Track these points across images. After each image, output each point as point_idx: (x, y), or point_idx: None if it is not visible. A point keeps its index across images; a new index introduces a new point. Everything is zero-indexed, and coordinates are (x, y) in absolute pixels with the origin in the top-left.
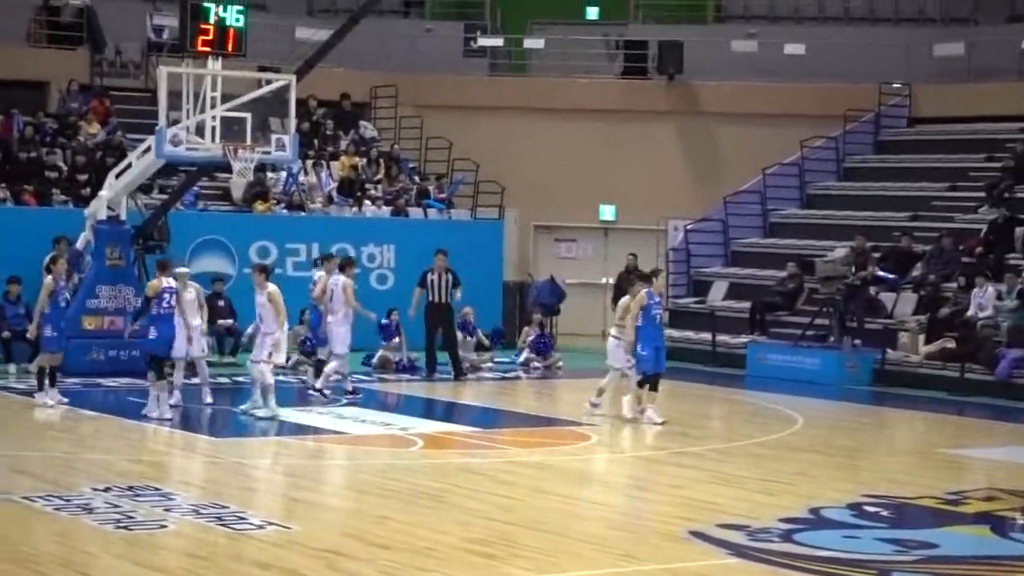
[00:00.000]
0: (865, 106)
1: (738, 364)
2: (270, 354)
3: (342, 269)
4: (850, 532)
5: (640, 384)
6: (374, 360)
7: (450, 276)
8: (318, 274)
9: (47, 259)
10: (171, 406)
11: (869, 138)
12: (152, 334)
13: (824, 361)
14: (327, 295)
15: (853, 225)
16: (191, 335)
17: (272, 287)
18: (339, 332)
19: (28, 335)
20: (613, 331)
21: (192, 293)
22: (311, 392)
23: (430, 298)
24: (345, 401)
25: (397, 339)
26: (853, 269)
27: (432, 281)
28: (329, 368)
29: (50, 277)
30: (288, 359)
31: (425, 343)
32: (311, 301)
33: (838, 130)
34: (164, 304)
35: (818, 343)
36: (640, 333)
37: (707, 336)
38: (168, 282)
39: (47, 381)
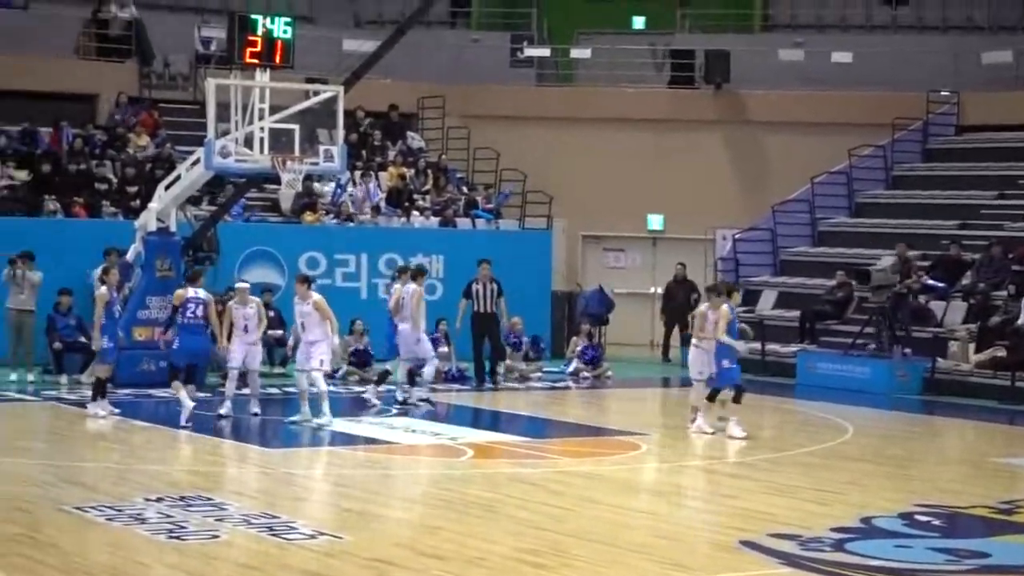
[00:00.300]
0: (913, 114)
1: (788, 373)
2: (322, 361)
3: (414, 278)
4: (902, 542)
5: (711, 398)
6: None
7: (495, 286)
8: (395, 286)
9: (99, 270)
10: (221, 415)
11: (917, 146)
12: (175, 344)
13: (874, 370)
14: (401, 305)
15: (902, 233)
16: (249, 347)
17: (317, 296)
18: (415, 338)
19: (93, 347)
20: (694, 341)
21: (252, 307)
22: (418, 403)
23: (476, 308)
24: (395, 411)
25: (446, 349)
26: (899, 278)
27: (477, 291)
28: (427, 373)
29: (104, 288)
30: (338, 370)
31: (473, 353)
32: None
33: (886, 138)
34: (188, 314)
35: (868, 352)
36: (726, 348)
37: (756, 345)
38: (195, 293)
39: (99, 392)
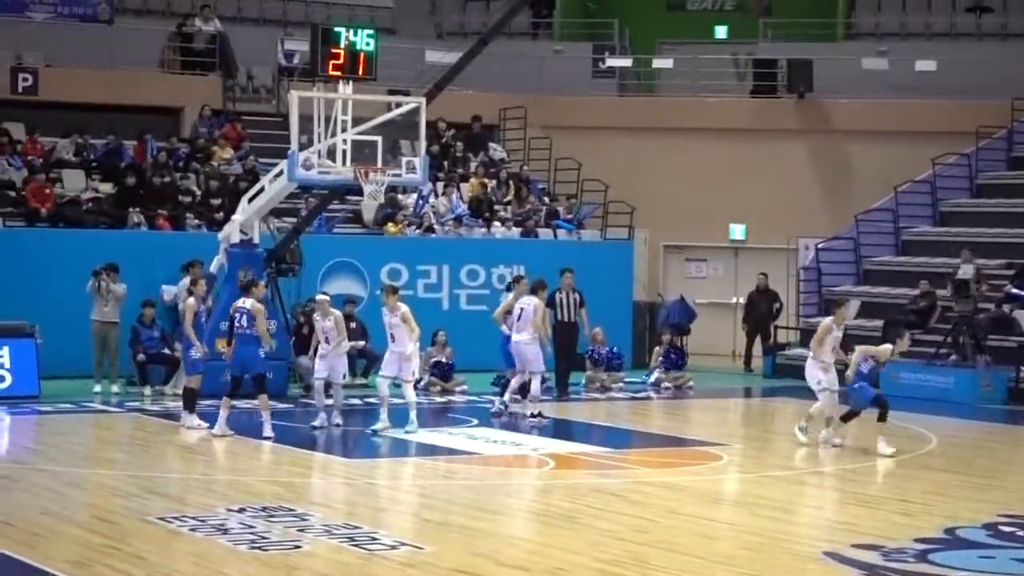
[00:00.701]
0: (997, 122)
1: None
2: (413, 372)
3: (534, 291)
4: (986, 552)
5: (846, 418)
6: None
7: (577, 295)
8: (507, 296)
9: (187, 281)
10: (315, 427)
11: (1002, 154)
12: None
13: (958, 380)
14: (514, 315)
15: (986, 242)
16: (330, 360)
17: (404, 307)
18: (531, 351)
19: (194, 354)
20: (811, 355)
21: (331, 320)
22: (530, 419)
23: (559, 317)
24: (531, 424)
25: None
26: (979, 287)
27: (560, 300)
28: (534, 388)
29: (192, 299)
30: (420, 380)
31: (555, 364)
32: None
33: (970, 147)
34: (236, 325)
35: (951, 362)
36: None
37: (840, 355)
38: (242, 303)
39: (190, 403)
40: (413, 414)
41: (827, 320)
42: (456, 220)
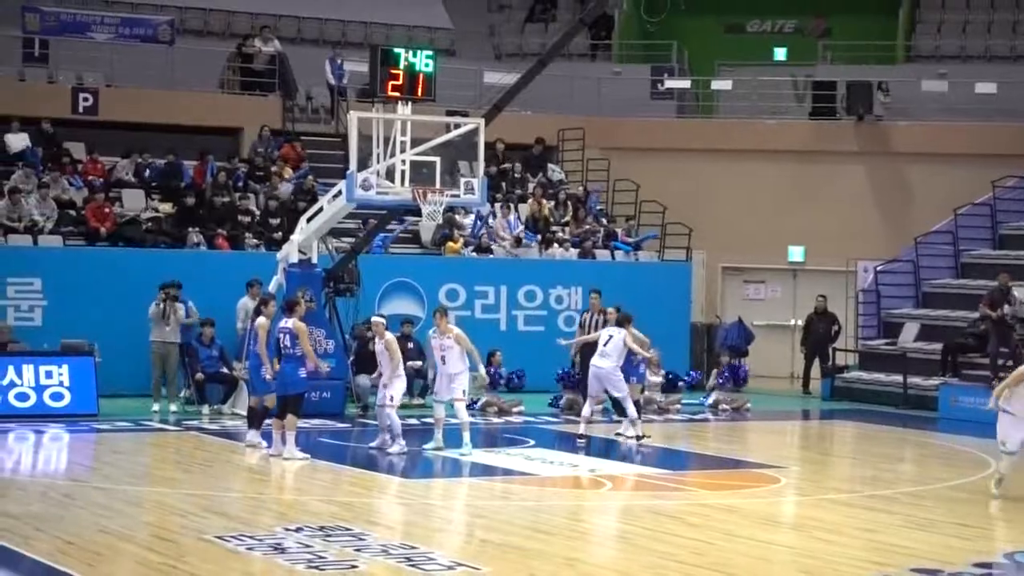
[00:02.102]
0: None
1: (930, 406)
2: (464, 392)
3: (620, 324)
4: None
5: None
6: (561, 402)
7: (602, 317)
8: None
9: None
10: (372, 447)
11: None
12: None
13: None
14: (601, 342)
15: None
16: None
17: (457, 329)
18: (617, 376)
19: (265, 375)
20: (1002, 404)
21: (380, 344)
22: (637, 441)
23: (578, 339)
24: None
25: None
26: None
27: (585, 321)
28: (631, 412)
29: (263, 318)
30: (476, 401)
31: (580, 384)
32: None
33: None
34: (281, 344)
35: None
36: None
37: (898, 378)
38: (285, 323)
39: (255, 422)
40: (467, 436)
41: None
42: (516, 240)
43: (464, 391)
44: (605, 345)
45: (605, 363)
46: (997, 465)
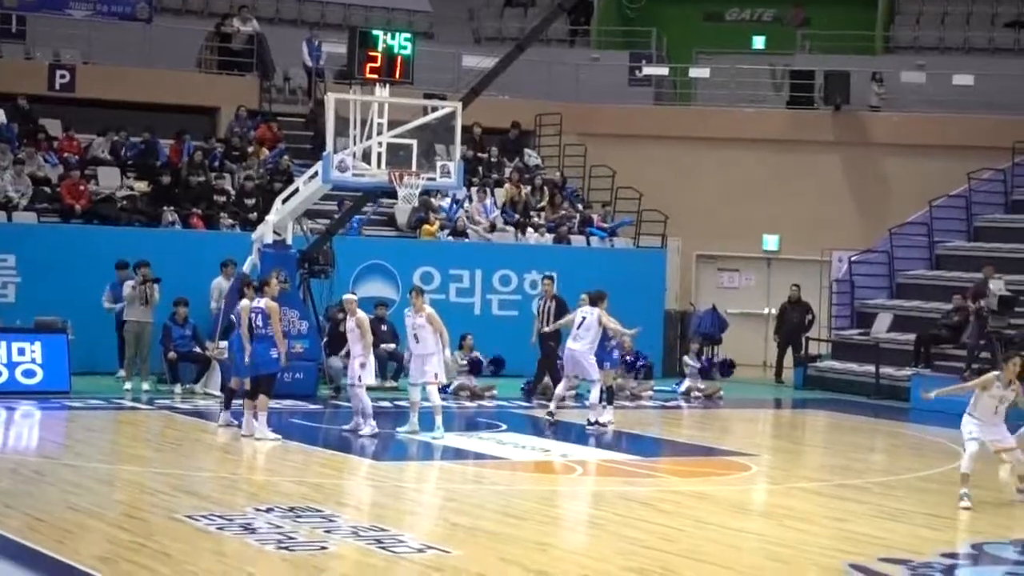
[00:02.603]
0: None
1: (901, 397)
2: (436, 375)
3: (594, 303)
4: (1013, 568)
5: None
6: (539, 388)
7: (553, 303)
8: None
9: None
10: (348, 429)
11: None
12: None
13: None
14: (575, 324)
15: (1020, 258)
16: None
17: (430, 309)
18: (588, 360)
19: (280, 361)
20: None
21: (352, 321)
22: (589, 426)
23: (538, 325)
24: (590, 431)
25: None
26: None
27: (538, 307)
28: (594, 397)
29: (246, 300)
30: (449, 384)
31: (537, 369)
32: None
33: (1006, 162)
34: (252, 324)
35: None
36: None
37: (871, 368)
38: (258, 303)
39: (231, 403)
40: (439, 419)
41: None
42: (491, 226)
43: (436, 374)
44: (579, 327)
45: (578, 345)
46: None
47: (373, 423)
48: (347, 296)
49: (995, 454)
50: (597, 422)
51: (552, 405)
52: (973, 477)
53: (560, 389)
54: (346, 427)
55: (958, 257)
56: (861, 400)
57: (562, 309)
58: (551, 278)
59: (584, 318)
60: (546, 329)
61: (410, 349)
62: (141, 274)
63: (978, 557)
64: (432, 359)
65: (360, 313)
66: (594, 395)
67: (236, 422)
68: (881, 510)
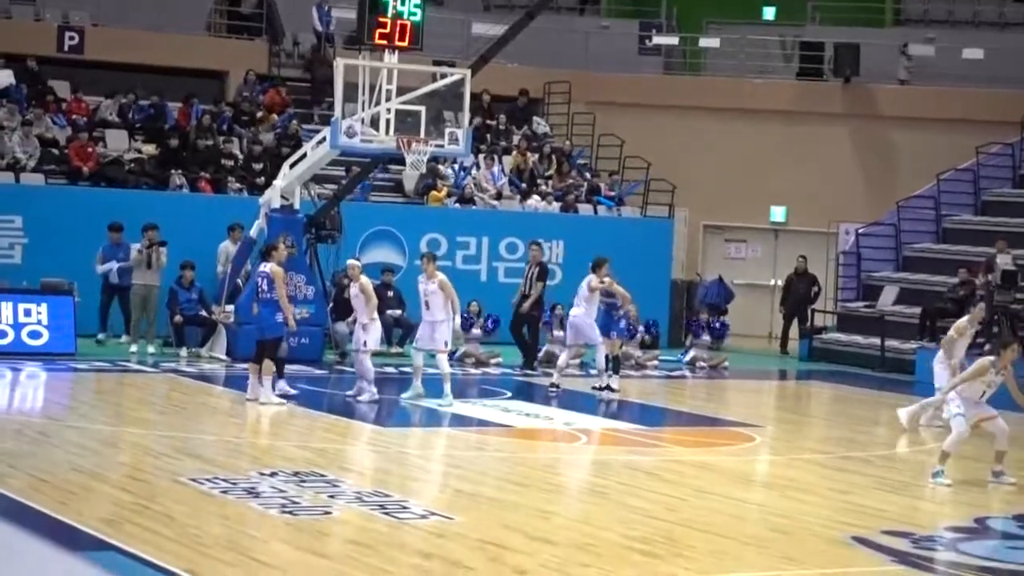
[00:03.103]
0: None
1: (906, 370)
2: (445, 343)
3: (593, 268)
4: (1015, 543)
5: None
6: (540, 354)
7: (536, 269)
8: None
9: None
10: (351, 395)
11: None
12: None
13: None
14: (579, 293)
15: None
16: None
17: (442, 276)
18: (588, 325)
19: (288, 326)
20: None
21: (355, 287)
22: (599, 391)
23: (521, 290)
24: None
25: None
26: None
27: (525, 274)
28: (600, 362)
29: (272, 264)
30: (455, 352)
31: (526, 338)
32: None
33: (1015, 136)
34: (258, 288)
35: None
36: None
37: (876, 341)
38: (264, 267)
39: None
40: (448, 386)
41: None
42: (498, 194)
43: (447, 342)
44: (578, 295)
45: (576, 311)
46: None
47: (373, 389)
48: (351, 262)
49: (973, 426)
50: (607, 387)
51: (556, 376)
52: (976, 450)
53: (563, 360)
54: (350, 393)
55: (965, 231)
56: (866, 372)
57: (544, 274)
58: (538, 244)
59: (582, 286)
60: (527, 302)
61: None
62: (148, 237)
63: (981, 531)
64: (442, 326)
65: (364, 279)
66: (600, 360)
67: (293, 391)
68: (884, 483)
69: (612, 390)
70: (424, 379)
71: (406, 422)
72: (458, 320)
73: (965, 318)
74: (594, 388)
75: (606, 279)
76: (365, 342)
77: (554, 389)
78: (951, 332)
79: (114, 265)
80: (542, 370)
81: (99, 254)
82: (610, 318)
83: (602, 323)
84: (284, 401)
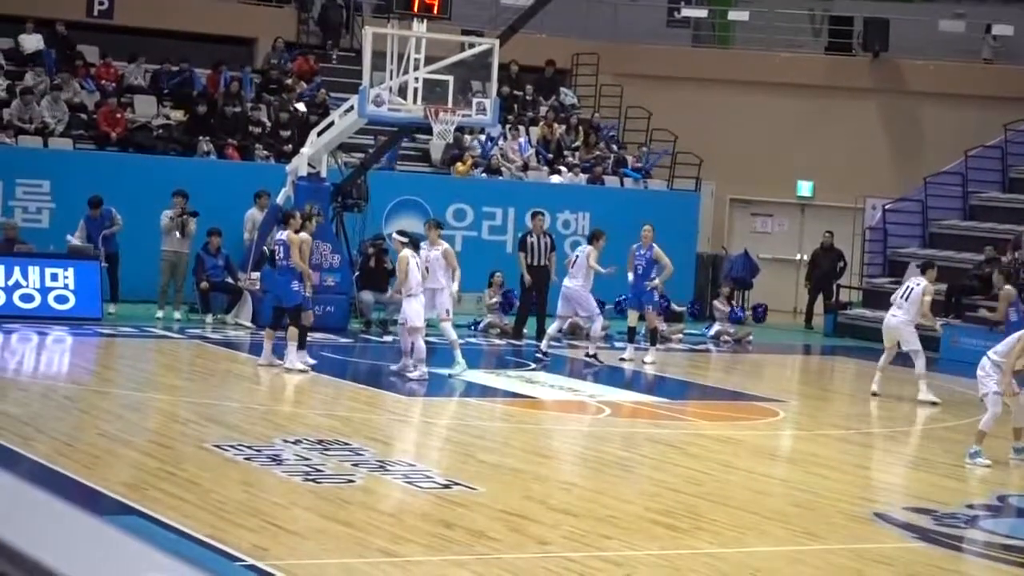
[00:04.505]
0: None
1: (931, 347)
2: (447, 311)
3: (591, 240)
4: None
5: None
6: (564, 326)
7: (548, 239)
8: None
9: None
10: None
11: None
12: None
13: None
14: (570, 262)
15: None
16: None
17: (445, 244)
18: (583, 295)
19: (304, 294)
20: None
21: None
22: (587, 359)
23: (529, 261)
24: (588, 364)
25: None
26: None
27: (532, 244)
28: (595, 330)
29: (304, 234)
30: (479, 322)
31: (518, 306)
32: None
33: None
34: (276, 256)
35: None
36: None
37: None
38: (281, 235)
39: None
40: (458, 353)
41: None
42: (523, 164)
43: (448, 310)
44: (572, 265)
45: (572, 283)
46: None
47: (424, 369)
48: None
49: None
50: (595, 356)
51: (544, 344)
52: (999, 428)
53: (553, 329)
54: (394, 367)
55: (992, 208)
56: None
57: (554, 246)
58: (542, 213)
59: (578, 256)
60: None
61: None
62: (179, 204)
63: (1003, 509)
64: (442, 293)
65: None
66: (595, 329)
67: (312, 361)
68: (906, 459)
69: (599, 361)
70: (431, 348)
71: (432, 392)
72: (456, 287)
73: (927, 284)
74: (587, 355)
75: (654, 246)
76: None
77: (543, 358)
78: (926, 297)
79: (79, 237)
80: (567, 342)
81: (80, 224)
82: (642, 289)
83: (635, 295)
84: (308, 368)
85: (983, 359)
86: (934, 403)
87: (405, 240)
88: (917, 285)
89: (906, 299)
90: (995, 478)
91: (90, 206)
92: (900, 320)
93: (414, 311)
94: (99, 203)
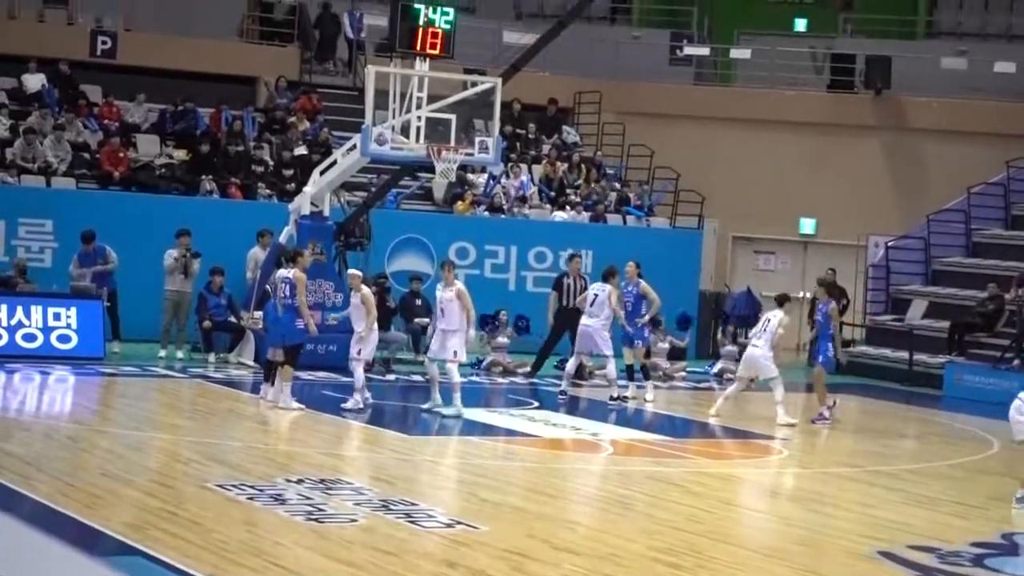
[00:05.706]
0: None
1: (935, 384)
2: (455, 352)
3: (606, 279)
4: None
5: None
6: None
7: (583, 281)
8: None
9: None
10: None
11: None
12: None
13: (1023, 384)
14: (588, 301)
15: None
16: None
17: (460, 284)
18: (602, 336)
19: (309, 331)
20: None
21: (356, 297)
22: (614, 401)
23: (563, 302)
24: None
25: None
26: None
27: (568, 285)
28: (610, 372)
29: (297, 270)
30: (481, 360)
31: (544, 343)
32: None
33: None
34: (280, 294)
35: (1016, 366)
36: None
37: (904, 355)
38: (287, 273)
39: (271, 376)
40: (457, 397)
41: None
42: (521, 199)
43: (456, 352)
44: (591, 304)
45: (592, 321)
46: None
47: (359, 397)
48: (352, 271)
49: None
50: (621, 397)
51: (564, 384)
52: (1004, 466)
53: (570, 366)
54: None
55: (995, 245)
56: (894, 386)
57: (585, 287)
58: (579, 256)
59: (596, 295)
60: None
61: (435, 324)
62: (183, 244)
63: (1008, 547)
64: (455, 337)
65: (365, 289)
66: (610, 371)
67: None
68: (910, 497)
69: (625, 399)
70: (441, 389)
71: (432, 431)
72: (472, 332)
73: (783, 315)
74: (611, 399)
75: (641, 281)
76: (360, 351)
77: (563, 397)
78: (780, 330)
79: (88, 272)
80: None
81: (74, 260)
82: (634, 326)
83: (625, 332)
84: (302, 407)
85: (1016, 401)
86: (791, 425)
87: (360, 275)
88: (774, 317)
89: (765, 331)
90: (999, 516)
91: (83, 241)
92: (761, 352)
93: (370, 348)
94: (91, 238)
